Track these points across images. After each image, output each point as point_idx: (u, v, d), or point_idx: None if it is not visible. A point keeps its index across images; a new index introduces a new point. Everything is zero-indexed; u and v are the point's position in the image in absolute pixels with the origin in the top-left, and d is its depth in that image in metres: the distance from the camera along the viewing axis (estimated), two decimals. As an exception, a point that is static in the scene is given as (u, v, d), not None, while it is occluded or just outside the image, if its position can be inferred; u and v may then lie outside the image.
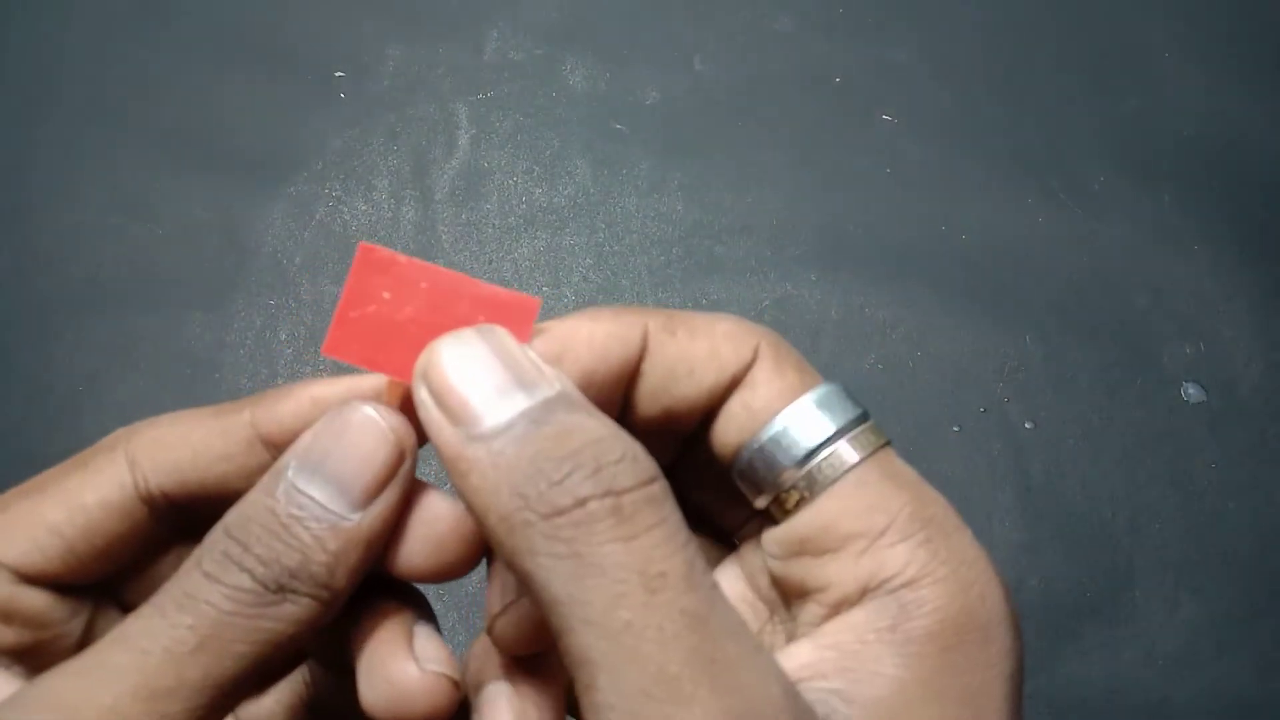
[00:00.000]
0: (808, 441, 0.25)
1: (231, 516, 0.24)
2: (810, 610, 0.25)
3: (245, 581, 0.23)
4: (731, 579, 0.28)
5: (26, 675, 0.26)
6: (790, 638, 0.26)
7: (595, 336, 0.26)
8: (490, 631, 0.27)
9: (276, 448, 0.26)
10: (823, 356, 0.71)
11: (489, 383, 0.23)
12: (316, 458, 0.24)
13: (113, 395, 0.68)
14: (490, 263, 0.73)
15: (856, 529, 0.24)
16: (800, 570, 0.25)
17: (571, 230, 0.75)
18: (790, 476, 0.25)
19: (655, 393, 0.26)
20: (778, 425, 0.25)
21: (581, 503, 0.21)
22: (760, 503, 0.26)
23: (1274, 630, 0.65)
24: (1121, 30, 0.87)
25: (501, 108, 0.80)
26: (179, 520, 0.27)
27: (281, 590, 0.23)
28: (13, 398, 0.66)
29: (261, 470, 0.25)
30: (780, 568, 0.26)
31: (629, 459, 0.22)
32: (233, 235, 0.74)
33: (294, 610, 0.23)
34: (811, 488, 0.25)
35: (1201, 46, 0.86)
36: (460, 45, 0.83)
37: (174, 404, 0.76)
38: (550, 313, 0.80)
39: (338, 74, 0.81)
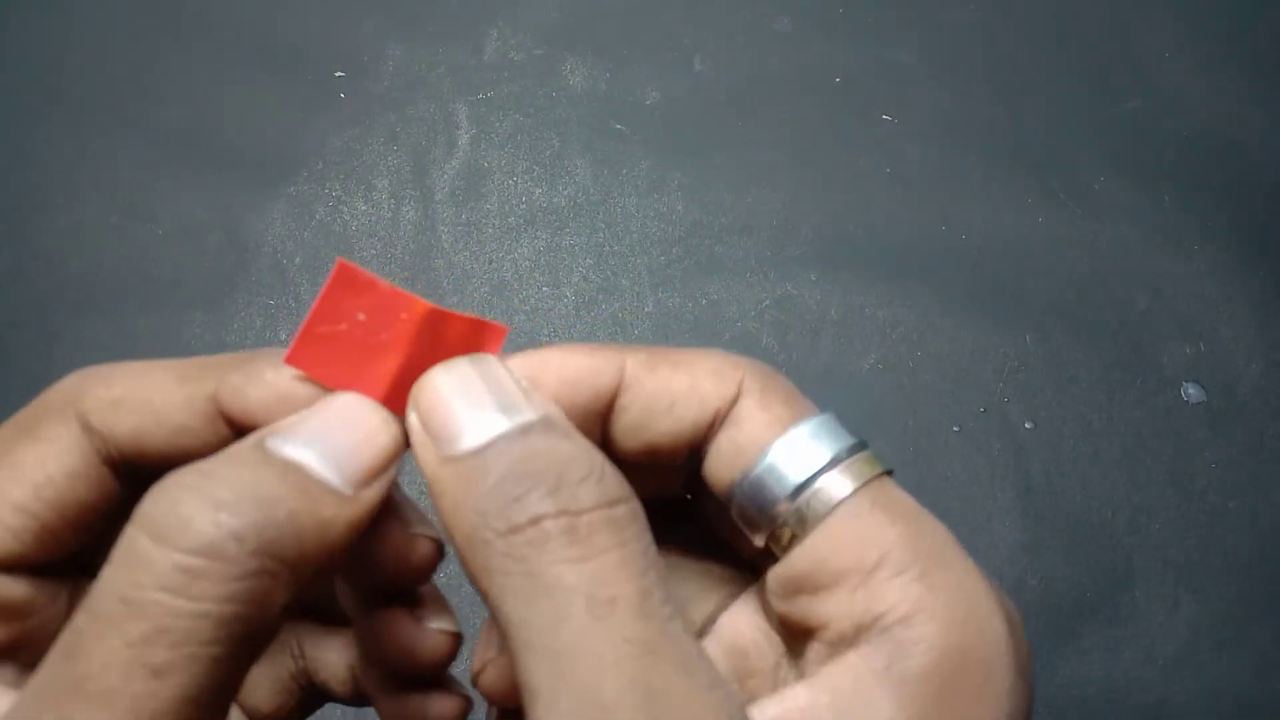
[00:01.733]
0: (796, 475, 0.24)
1: (185, 475, 0.21)
2: (815, 650, 0.24)
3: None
4: (749, 611, 0.27)
5: (18, 672, 0.24)
6: (802, 677, 0.25)
7: (566, 367, 0.25)
8: (475, 682, 0.27)
9: (240, 429, 0.24)
10: (823, 357, 0.71)
11: (472, 406, 0.23)
12: (310, 431, 0.22)
13: (113, 395, 0.68)
14: (490, 263, 0.73)
15: (849, 564, 0.23)
16: (800, 609, 0.24)
17: (571, 230, 0.75)
18: (783, 512, 0.24)
19: (634, 428, 0.25)
20: (766, 460, 0.24)
21: (536, 521, 0.20)
22: (758, 541, 0.25)
23: (1274, 630, 0.65)
24: (1121, 30, 0.87)
25: (501, 108, 0.80)
26: (146, 478, 0.24)
27: (257, 557, 0.20)
28: (13, 398, 0.66)
29: (224, 444, 0.23)
30: (782, 606, 0.25)
31: (594, 478, 0.21)
32: (233, 235, 0.74)
33: (262, 586, 0.20)
34: (803, 523, 0.24)
35: (1201, 46, 0.86)
36: (460, 45, 0.83)
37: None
38: (550, 312, 0.79)
39: (338, 74, 0.81)
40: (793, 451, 0.25)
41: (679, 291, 0.73)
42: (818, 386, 0.70)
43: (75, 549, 0.25)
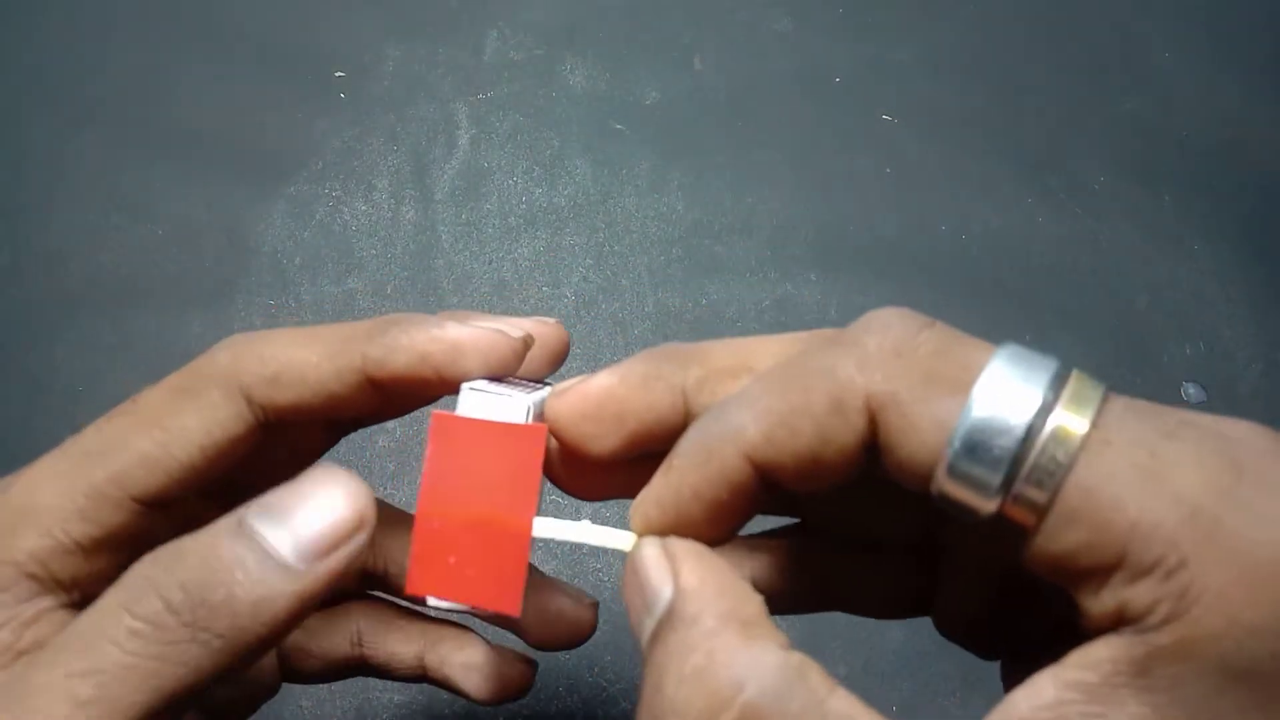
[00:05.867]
0: (1015, 418, 0.19)
1: (168, 548, 0.24)
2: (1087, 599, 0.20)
3: (157, 608, 0.22)
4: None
5: None
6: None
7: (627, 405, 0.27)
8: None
9: (386, 391, 0.28)
10: (823, 356, 0.71)
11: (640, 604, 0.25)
12: (277, 506, 0.24)
13: (113, 395, 0.67)
14: (490, 263, 0.73)
15: (1091, 562, 0.19)
16: (1061, 576, 0.21)
17: (571, 230, 0.75)
18: (1012, 471, 0.20)
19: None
20: (969, 413, 0.20)
21: None
22: (984, 509, 0.21)
23: (1274, 630, 0.65)
24: (1121, 30, 0.87)
25: (501, 108, 0.80)
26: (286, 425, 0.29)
27: (192, 626, 0.22)
28: (13, 398, 0.66)
29: (369, 405, 0.28)
30: (1044, 571, 0.22)
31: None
32: (233, 235, 0.74)
33: (199, 653, 0.22)
34: (1044, 480, 0.20)
35: (1201, 46, 0.86)
36: (460, 45, 0.83)
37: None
38: (550, 312, 0.79)
39: (338, 74, 0.81)
40: (997, 392, 0.20)
41: (679, 291, 0.73)
42: (818, 386, 0.70)
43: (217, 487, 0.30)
